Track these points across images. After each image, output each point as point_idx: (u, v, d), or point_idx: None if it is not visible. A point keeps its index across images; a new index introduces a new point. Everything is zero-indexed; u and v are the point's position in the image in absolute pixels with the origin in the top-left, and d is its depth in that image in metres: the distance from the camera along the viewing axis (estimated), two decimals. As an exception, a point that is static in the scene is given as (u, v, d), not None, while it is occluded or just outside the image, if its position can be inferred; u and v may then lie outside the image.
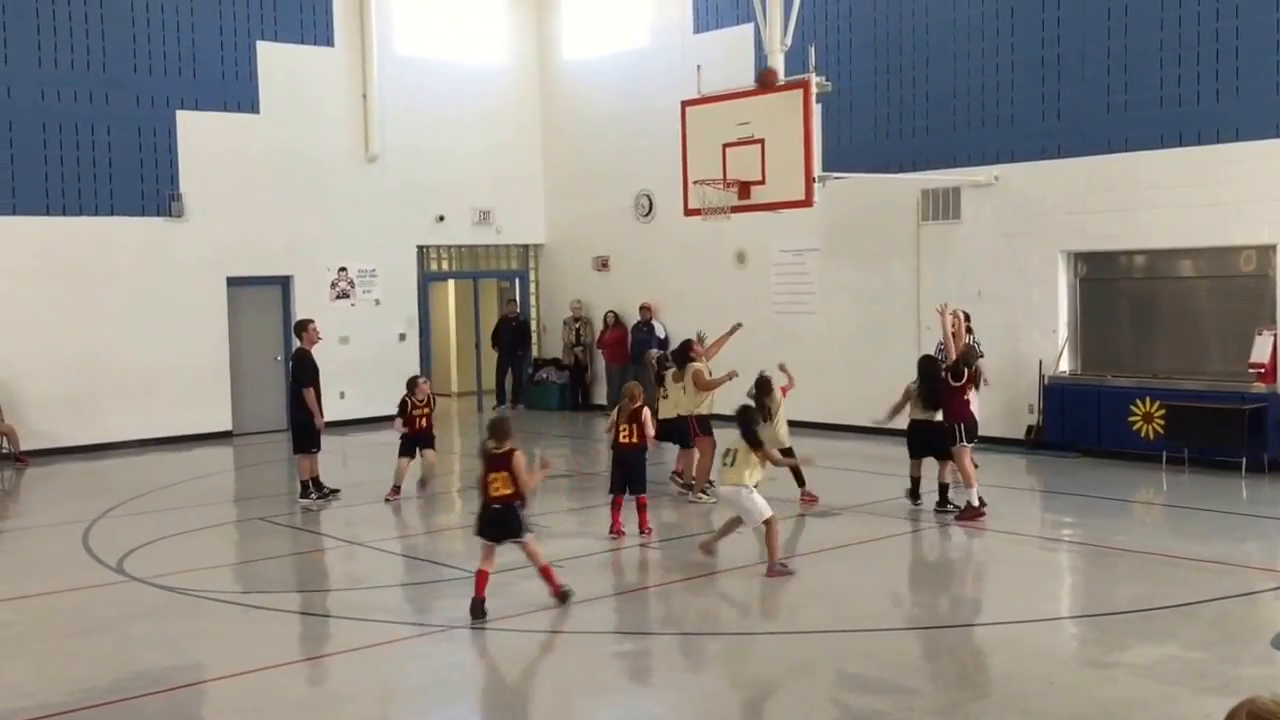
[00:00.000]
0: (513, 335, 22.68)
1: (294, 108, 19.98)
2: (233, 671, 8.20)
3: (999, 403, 16.46)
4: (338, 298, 20.69)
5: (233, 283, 19.51)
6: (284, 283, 20.27)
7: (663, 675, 8.11)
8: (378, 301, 21.07)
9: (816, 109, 15.47)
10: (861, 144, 17.78)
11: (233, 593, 10.36)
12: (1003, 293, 16.48)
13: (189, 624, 9.49)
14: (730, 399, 12.72)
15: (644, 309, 20.99)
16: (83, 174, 18.22)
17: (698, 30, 20.08)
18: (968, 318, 14.48)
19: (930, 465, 12.79)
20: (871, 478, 14.76)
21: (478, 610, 8.99)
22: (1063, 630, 8.96)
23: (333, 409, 19.75)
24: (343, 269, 20.73)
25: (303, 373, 14.12)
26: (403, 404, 14.18)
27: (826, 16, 18.12)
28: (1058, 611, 9.64)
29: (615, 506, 11.88)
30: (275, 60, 19.81)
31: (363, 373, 20.15)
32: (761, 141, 15.54)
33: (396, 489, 13.95)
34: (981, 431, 16.33)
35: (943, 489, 12.51)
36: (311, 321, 14.47)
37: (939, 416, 12.53)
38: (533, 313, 23.47)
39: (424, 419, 14.18)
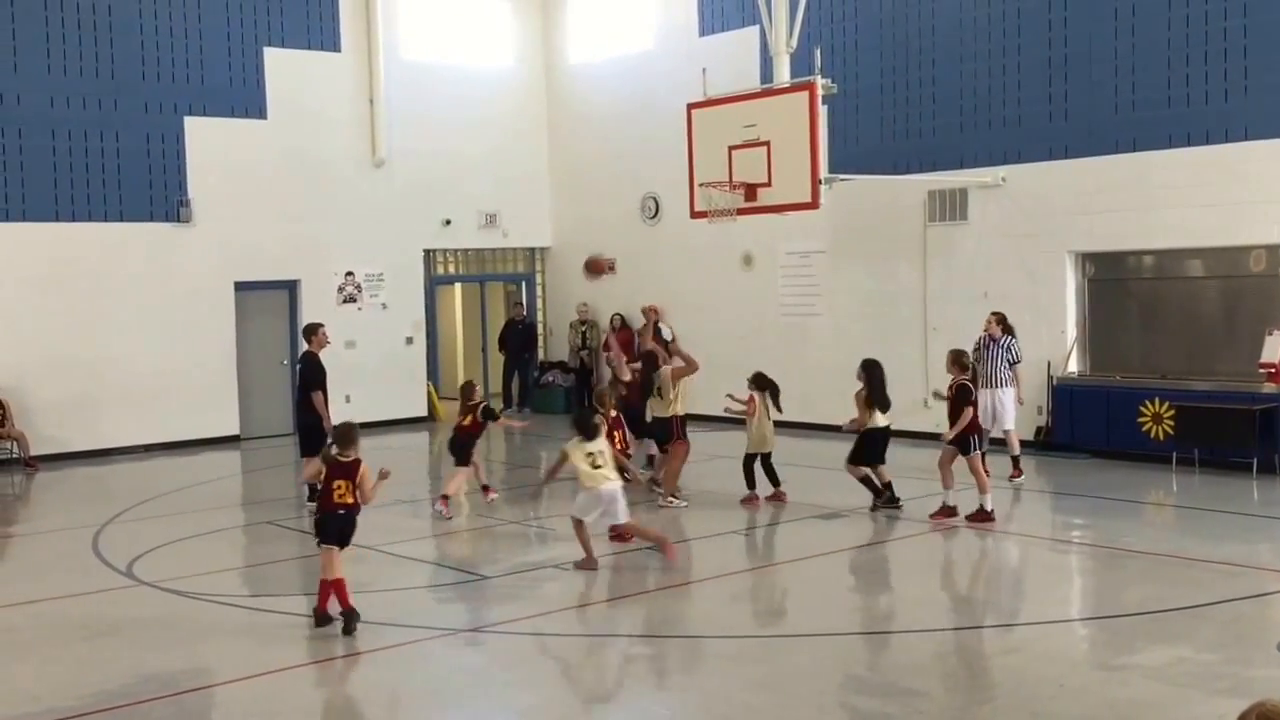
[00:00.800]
0: (519, 338, 22.69)
1: (301, 113, 20.01)
2: (242, 675, 8.21)
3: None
4: (345, 302, 20.70)
5: (240, 287, 19.54)
6: (291, 287, 20.30)
7: (670, 678, 8.09)
8: (384, 305, 21.09)
9: (822, 111, 15.47)
10: (867, 146, 17.77)
11: (242, 597, 10.36)
12: (1010, 294, 16.43)
13: (198, 628, 9.49)
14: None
15: (649, 311, 20.92)
16: (91, 180, 18.26)
17: (703, 33, 20.07)
18: (1002, 320, 14.58)
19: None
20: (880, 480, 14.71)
21: (322, 622, 8.98)
22: (1073, 632, 8.93)
23: (339, 413, 19.81)
24: (349, 273, 20.75)
25: (313, 376, 14.09)
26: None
27: (832, 18, 18.11)
28: (1068, 614, 9.60)
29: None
30: (282, 66, 19.85)
31: (369, 377, 20.18)
32: (767, 144, 15.53)
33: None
34: (991, 433, 16.45)
35: (888, 486, 12.79)
36: (321, 325, 14.46)
37: (885, 421, 12.79)
38: (539, 316, 23.47)
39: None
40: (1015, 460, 14.50)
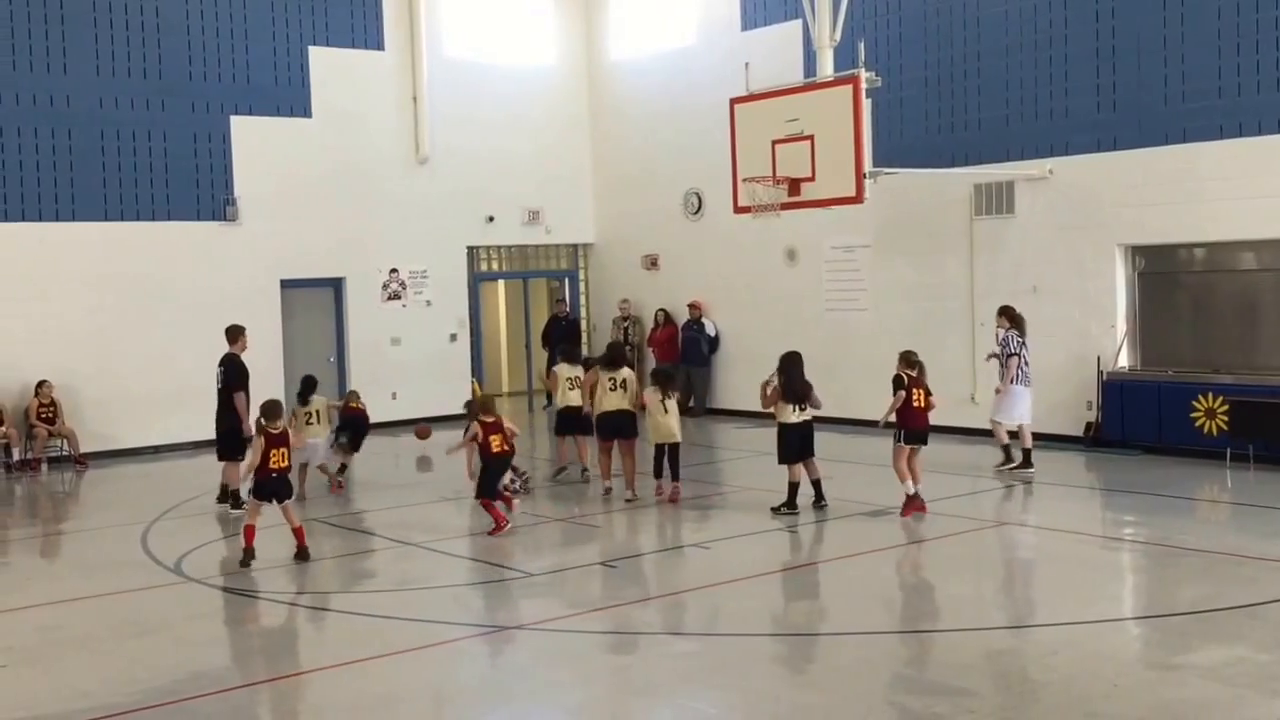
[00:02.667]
0: (563, 334, 22.64)
1: (345, 112, 20.11)
2: (288, 672, 8.24)
3: (1056, 400, 16.28)
4: (389, 299, 20.79)
5: (286, 285, 19.66)
6: (336, 285, 20.41)
7: (717, 676, 8.04)
8: (429, 302, 21.15)
9: (866, 104, 15.31)
10: (912, 139, 17.62)
11: (288, 594, 10.41)
12: (1058, 288, 16.26)
13: (245, 625, 9.55)
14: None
15: (693, 307, 20.92)
16: (140, 180, 18.43)
17: (745, 27, 19.98)
18: (1009, 312, 14.76)
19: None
20: (927, 476, 14.52)
21: (247, 559, 10.96)
22: (1126, 631, 8.81)
23: (384, 410, 19.99)
24: (394, 270, 20.83)
25: (236, 378, 13.88)
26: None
27: (876, 10, 17.97)
28: (1120, 612, 9.47)
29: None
30: (327, 65, 19.95)
31: (414, 374, 20.26)
32: (811, 138, 15.42)
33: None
34: (1039, 428, 16.31)
35: (816, 485, 12.69)
36: (244, 329, 14.32)
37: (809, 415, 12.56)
38: (582, 312, 23.47)
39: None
40: (1006, 450, 14.70)
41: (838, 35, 16.00)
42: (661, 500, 13.40)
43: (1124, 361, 15.89)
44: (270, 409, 11.24)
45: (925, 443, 12.54)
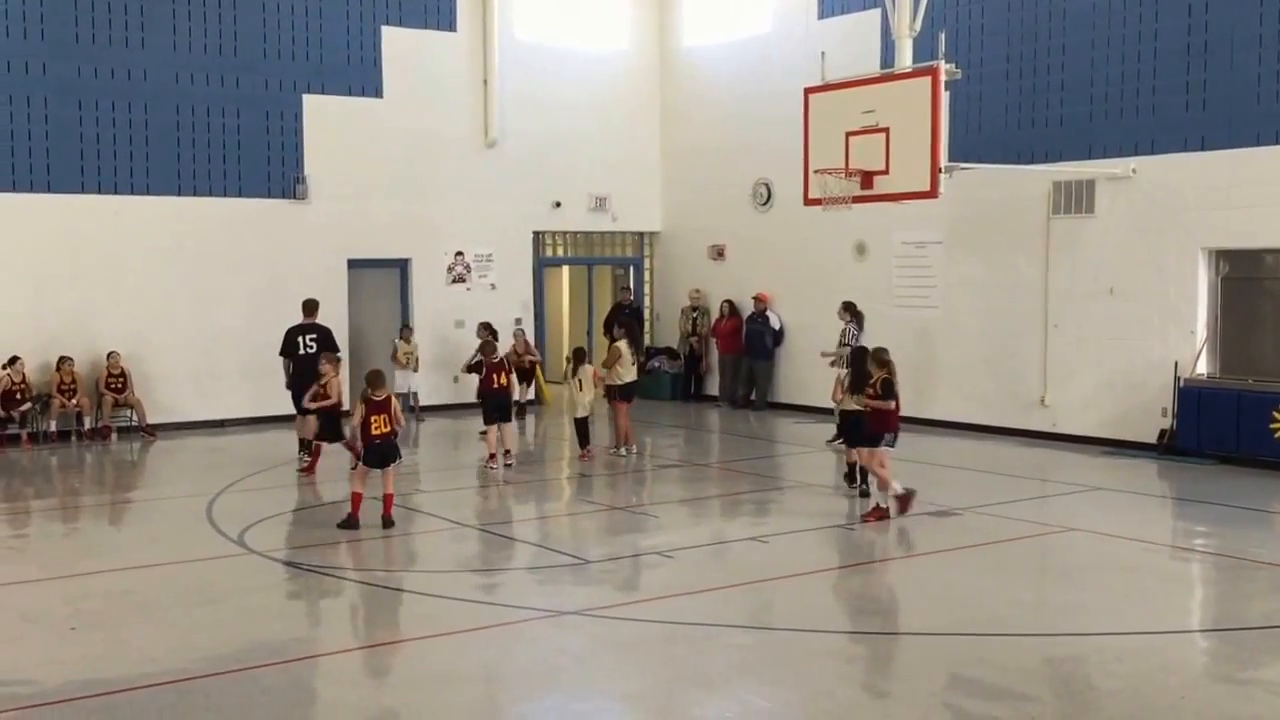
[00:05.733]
0: (625, 323, 22.59)
1: (416, 92, 20.15)
2: (347, 646, 8.28)
3: (1130, 405, 15.96)
4: (454, 281, 20.83)
5: (353, 265, 19.76)
6: (403, 265, 20.48)
7: (773, 670, 7.94)
8: (493, 286, 21.17)
9: (944, 97, 15.05)
10: (990, 133, 17.31)
11: (347, 569, 10.45)
12: (1137, 291, 15.91)
13: (306, 598, 9.63)
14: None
15: (758, 299, 20.76)
16: (213, 156, 18.60)
17: (822, 15, 19.73)
18: (852, 307, 16.11)
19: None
20: (994, 478, 14.41)
21: (351, 524, 11.47)
22: (1193, 644, 8.62)
23: (445, 393, 20.08)
24: (459, 253, 20.87)
25: (330, 343, 15.63)
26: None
27: (957, 1, 17.67)
28: (1188, 624, 9.26)
29: None
30: (399, 45, 20.01)
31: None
32: (886, 130, 15.18)
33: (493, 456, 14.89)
34: (1110, 434, 16.05)
35: (854, 468, 13.23)
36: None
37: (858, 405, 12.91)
38: (646, 301, 23.38)
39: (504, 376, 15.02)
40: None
41: (918, 25, 15.74)
42: (587, 461, 15.30)
43: (1202, 368, 15.50)
44: (374, 378, 11.73)
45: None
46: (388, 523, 11.60)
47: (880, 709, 7.13)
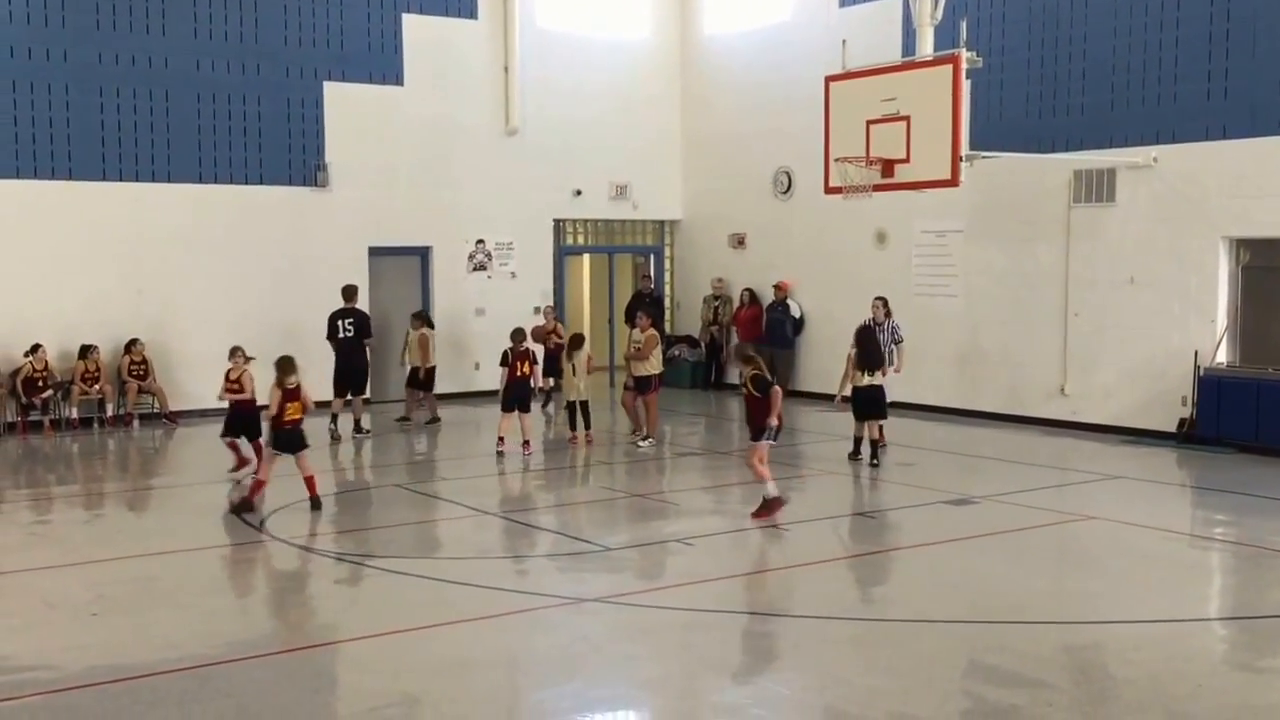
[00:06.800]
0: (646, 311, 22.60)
1: (437, 80, 20.19)
2: (366, 633, 8.32)
3: (1150, 394, 15.92)
4: (475, 270, 20.88)
5: (374, 253, 19.82)
6: (423, 254, 20.54)
7: (792, 657, 7.97)
8: (514, 274, 21.21)
9: (965, 85, 15.01)
10: (1011, 122, 17.25)
11: (369, 557, 10.49)
12: (1157, 280, 15.86)
13: (326, 585, 9.68)
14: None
15: (779, 288, 20.74)
16: (233, 143, 18.67)
17: (843, 4, 19.68)
18: (885, 303, 15.79)
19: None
20: (1013, 467, 14.40)
21: (245, 509, 11.65)
22: (1212, 632, 8.60)
23: (467, 380, 20.13)
24: (480, 241, 20.91)
25: (368, 327, 17.03)
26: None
27: (978, -11, 17.59)
28: (1207, 613, 9.25)
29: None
30: (420, 32, 20.03)
31: (498, 345, 20.20)
32: (907, 119, 15.15)
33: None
34: (1130, 423, 16.01)
35: (873, 445, 14.18)
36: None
37: (879, 379, 14.14)
38: (667, 289, 23.39)
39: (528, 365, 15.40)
40: (881, 434, 14.60)
41: (939, 13, 15.70)
42: (575, 447, 15.67)
43: (1222, 357, 15.44)
44: (286, 365, 11.86)
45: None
46: (316, 504, 11.81)
47: (898, 696, 7.14)
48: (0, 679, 7.46)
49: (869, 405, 14.23)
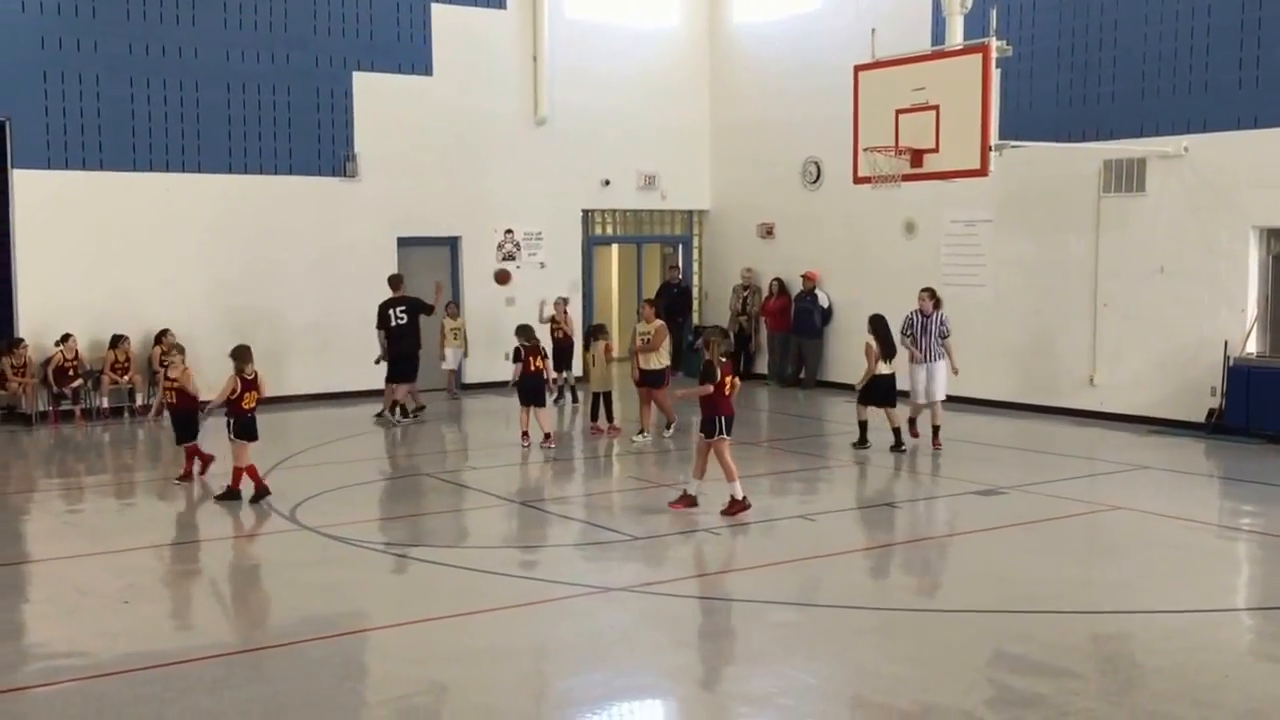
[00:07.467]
0: (674, 301, 22.61)
1: (466, 70, 20.22)
2: (395, 621, 8.38)
3: (1179, 384, 15.83)
4: (504, 259, 20.92)
5: (403, 243, 19.89)
6: (453, 244, 20.60)
7: (818, 646, 7.99)
8: (543, 264, 21.24)
9: (995, 74, 14.94)
10: (1041, 111, 17.15)
11: (399, 545, 10.57)
12: (1187, 269, 15.76)
13: (355, 574, 9.73)
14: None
15: (807, 278, 20.71)
16: (264, 134, 18.76)
17: (873, -8, 19.60)
18: (933, 294, 15.09)
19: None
20: (1041, 457, 14.37)
21: (248, 496, 11.89)
22: (1239, 623, 8.57)
23: (496, 370, 20.18)
24: (509, 231, 20.96)
25: (422, 309, 17.33)
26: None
27: (1008, -22, 17.48)
28: (1234, 603, 9.20)
29: None
30: (449, 22, 20.06)
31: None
32: (936, 108, 15.11)
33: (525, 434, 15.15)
34: (1158, 414, 15.93)
35: (896, 432, 14.44)
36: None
37: (891, 369, 14.45)
38: (695, 279, 23.39)
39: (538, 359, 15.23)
40: (936, 430, 14.61)
41: (969, 2, 15.62)
42: (597, 437, 15.82)
43: (1252, 347, 15.35)
44: (244, 354, 12.06)
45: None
46: (263, 493, 11.96)
47: (924, 685, 7.15)
48: (34, 666, 7.57)
49: (883, 394, 14.49)
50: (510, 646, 7.86)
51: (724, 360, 11.28)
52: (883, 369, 14.39)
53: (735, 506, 11.16)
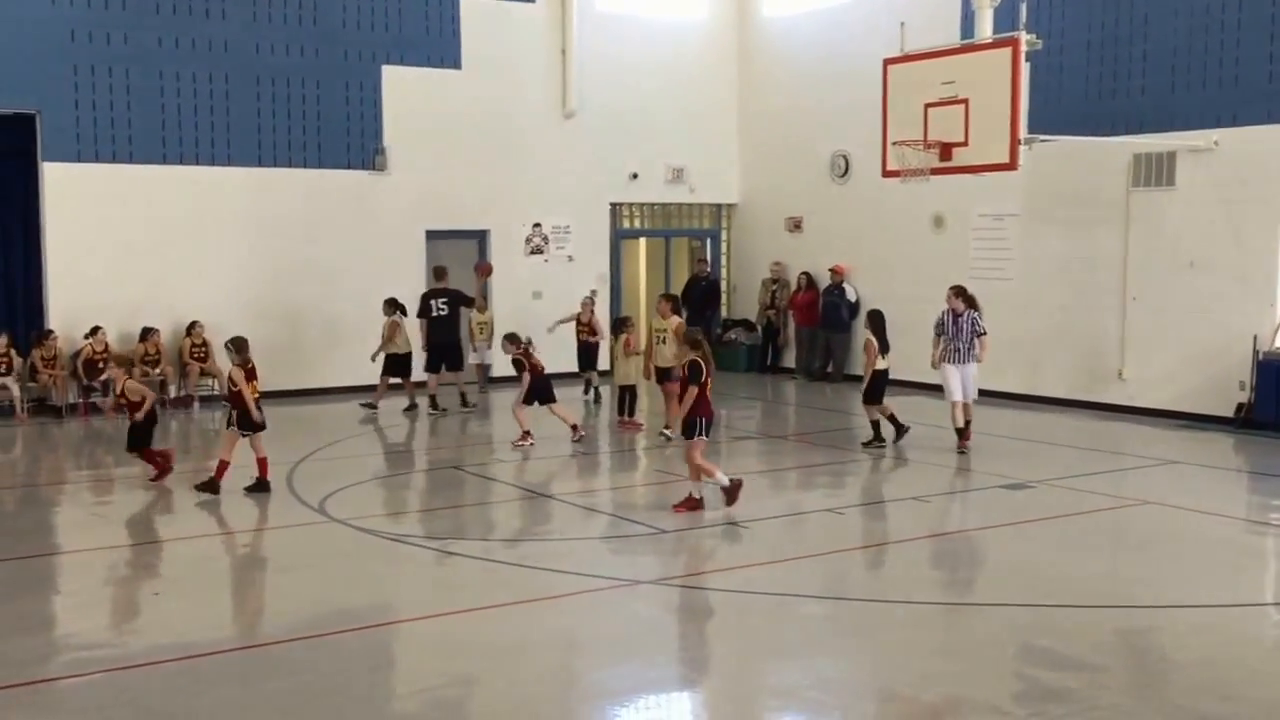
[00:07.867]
0: (702, 295, 22.60)
1: (495, 63, 20.25)
2: (425, 614, 8.44)
3: (1207, 379, 15.75)
4: (532, 253, 20.97)
5: (431, 236, 19.96)
6: (481, 237, 20.66)
7: (845, 639, 8.01)
8: (570, 258, 21.27)
9: (1025, 68, 14.87)
10: (1070, 105, 17.06)
11: (427, 538, 10.63)
12: (1217, 263, 15.67)
13: (385, 566, 9.79)
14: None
15: (835, 272, 20.68)
16: (292, 127, 18.85)
17: (901, -14, 19.52)
18: (963, 293, 14.44)
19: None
20: (1070, 451, 14.31)
21: (214, 488, 11.88)
22: (1268, 617, 8.54)
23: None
24: (537, 224, 21.00)
25: (463, 301, 17.83)
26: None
27: (1038, -30, 17.39)
28: (1262, 598, 9.18)
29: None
30: (478, 15, 20.11)
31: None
32: (966, 101, 15.04)
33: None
34: (1187, 408, 15.85)
35: (875, 425, 14.47)
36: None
37: (887, 364, 14.44)
38: (723, 273, 23.38)
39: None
40: (967, 426, 14.29)
41: (999, -5, 15.55)
42: (624, 432, 15.79)
43: (1282, 342, 15.27)
44: (242, 345, 12.02)
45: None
46: (264, 486, 11.96)
47: (952, 679, 7.16)
48: (64, 657, 7.64)
49: (880, 391, 14.47)
50: (538, 639, 7.90)
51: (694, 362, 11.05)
52: (880, 364, 14.33)
53: (689, 503, 11.11)
